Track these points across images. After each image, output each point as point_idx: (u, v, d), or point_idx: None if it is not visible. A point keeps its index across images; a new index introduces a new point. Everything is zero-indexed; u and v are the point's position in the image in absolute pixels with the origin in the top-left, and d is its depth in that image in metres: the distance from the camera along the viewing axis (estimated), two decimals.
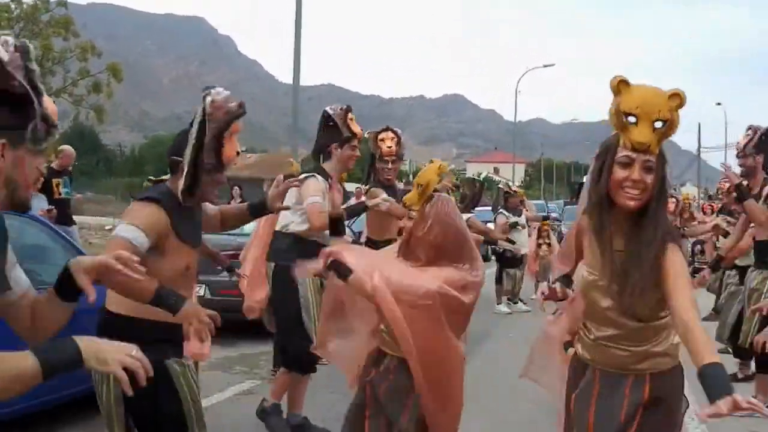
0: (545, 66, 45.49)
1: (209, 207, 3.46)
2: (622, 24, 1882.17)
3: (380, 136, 5.80)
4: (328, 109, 4.98)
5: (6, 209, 1.85)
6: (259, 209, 3.60)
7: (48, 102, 1.88)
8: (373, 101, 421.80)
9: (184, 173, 2.92)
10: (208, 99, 2.89)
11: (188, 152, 2.92)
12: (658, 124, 2.42)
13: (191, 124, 2.97)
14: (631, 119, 2.42)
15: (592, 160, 2.71)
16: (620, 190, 2.48)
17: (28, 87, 1.76)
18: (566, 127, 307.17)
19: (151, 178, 5.32)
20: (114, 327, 2.76)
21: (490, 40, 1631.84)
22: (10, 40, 1.75)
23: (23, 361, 1.56)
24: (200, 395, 4.91)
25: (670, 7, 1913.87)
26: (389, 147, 5.79)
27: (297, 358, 4.81)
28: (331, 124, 4.90)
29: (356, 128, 4.91)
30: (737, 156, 6.09)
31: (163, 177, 5.00)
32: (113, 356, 1.64)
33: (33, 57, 1.79)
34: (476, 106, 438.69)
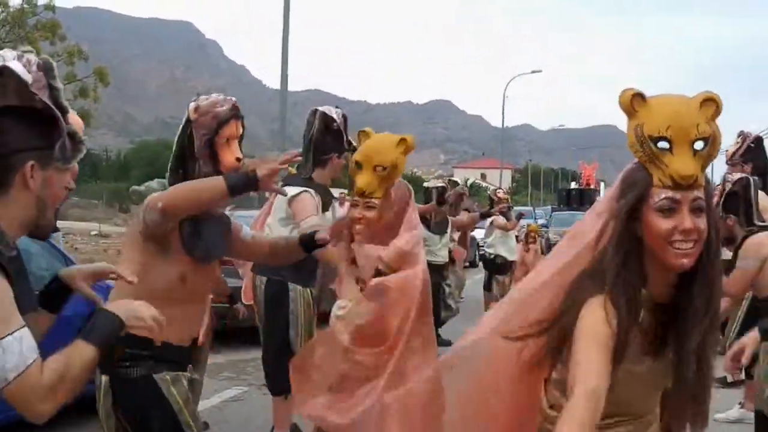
0: (533, 72, 45.60)
1: (256, 236, 3.24)
2: (611, 30, 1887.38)
3: None
4: (331, 113, 4.47)
5: (29, 231, 1.83)
6: (310, 244, 3.17)
7: (74, 118, 1.88)
8: (359, 107, 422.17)
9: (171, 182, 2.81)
10: (192, 105, 2.80)
11: (170, 163, 2.85)
12: (699, 145, 1.76)
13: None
14: (663, 144, 1.76)
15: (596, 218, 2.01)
16: (667, 247, 1.77)
17: (53, 106, 1.75)
18: (553, 133, 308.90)
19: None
20: None
21: (477, 46, 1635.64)
22: (33, 58, 1.74)
23: (85, 351, 1.72)
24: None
25: (662, 14, 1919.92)
26: None
27: (280, 380, 4.58)
28: (336, 129, 4.46)
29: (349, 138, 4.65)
30: (726, 163, 6.11)
31: (150, 183, 4.91)
32: (145, 312, 1.86)
33: (56, 74, 1.78)
34: (463, 112, 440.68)
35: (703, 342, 1.81)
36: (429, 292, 3.14)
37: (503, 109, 42.29)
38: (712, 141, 1.77)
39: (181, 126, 2.84)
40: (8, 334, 1.60)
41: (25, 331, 1.64)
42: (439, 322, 7.81)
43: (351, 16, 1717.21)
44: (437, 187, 7.96)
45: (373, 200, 2.95)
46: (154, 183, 4.48)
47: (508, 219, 10.59)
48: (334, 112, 4.44)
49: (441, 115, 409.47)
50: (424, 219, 7.68)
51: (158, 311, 1.88)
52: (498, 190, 11.30)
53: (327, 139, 4.46)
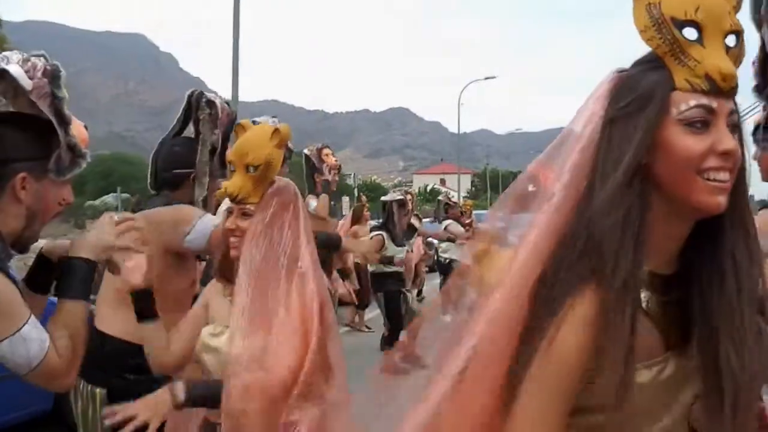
0: (486, 78, 46.01)
1: None
2: (565, 34, 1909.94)
3: (324, 151, 5.90)
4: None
5: (10, 242, 1.77)
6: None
7: (78, 129, 1.82)
8: (317, 116, 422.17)
9: (199, 183, 2.78)
10: (218, 104, 2.79)
11: (203, 160, 2.78)
12: (731, 41, 1.23)
13: (177, 131, 2.85)
14: (690, 33, 1.21)
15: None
16: (696, 179, 1.19)
17: (52, 116, 1.71)
18: (511, 137, 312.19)
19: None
20: (107, 350, 2.58)
21: (433, 53, 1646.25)
22: (40, 63, 1.71)
23: (78, 310, 1.75)
24: None
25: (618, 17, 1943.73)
26: (335, 160, 5.90)
27: None
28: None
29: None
30: None
31: (105, 197, 4.92)
32: (111, 240, 1.85)
33: (62, 83, 1.73)
34: (421, 119, 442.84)
35: (742, 323, 1.21)
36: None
37: (459, 115, 42.67)
38: (742, 38, 1.26)
39: (208, 127, 2.80)
40: (24, 324, 1.63)
41: (33, 317, 1.67)
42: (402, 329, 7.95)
43: (306, 27, 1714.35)
44: (396, 200, 8.00)
45: (247, 207, 2.39)
46: (109, 198, 4.52)
47: (462, 225, 10.74)
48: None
49: (399, 122, 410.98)
50: (388, 229, 7.80)
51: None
52: (451, 194, 11.45)
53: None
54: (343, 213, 14.36)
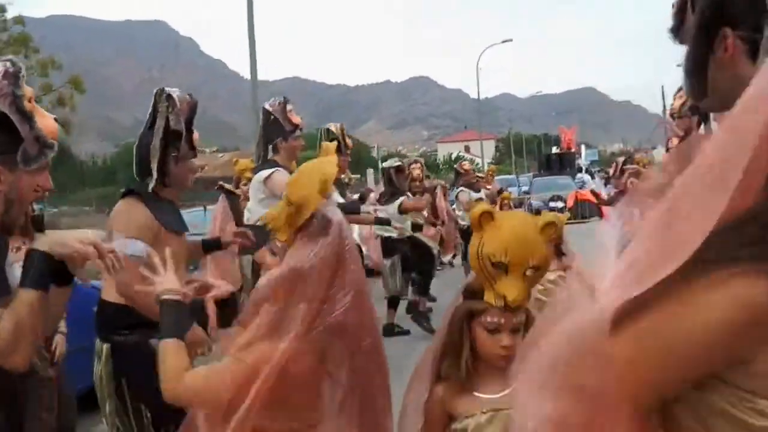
0: (504, 41, 45.62)
1: None
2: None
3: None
4: (266, 105, 5.11)
5: None
6: (211, 246, 3.78)
7: (46, 122, 1.98)
8: (339, 90, 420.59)
9: (155, 167, 3.14)
10: (177, 98, 3.18)
11: (156, 147, 3.16)
12: None
13: (149, 126, 3.22)
14: None
15: None
16: None
17: (13, 113, 1.85)
18: (533, 100, 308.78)
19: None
20: (107, 312, 3.10)
21: (451, 19, 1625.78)
22: (0, 67, 1.85)
23: (25, 296, 1.78)
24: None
25: None
26: (350, 141, 6.11)
27: None
28: (273, 119, 5.04)
29: (297, 119, 5.11)
30: (672, 117, 6.41)
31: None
32: (70, 239, 1.87)
33: (21, 82, 1.87)
34: (442, 87, 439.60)
35: None
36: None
37: (478, 81, 42.46)
38: None
39: (164, 116, 3.17)
40: None
41: None
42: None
43: (324, 2, 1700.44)
44: (394, 166, 8.30)
45: (275, 242, 2.11)
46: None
47: (478, 190, 10.92)
48: (268, 104, 5.08)
49: (421, 92, 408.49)
50: (393, 194, 8.12)
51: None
52: (464, 162, 11.64)
53: (270, 128, 5.05)
54: (368, 186, 14.47)
